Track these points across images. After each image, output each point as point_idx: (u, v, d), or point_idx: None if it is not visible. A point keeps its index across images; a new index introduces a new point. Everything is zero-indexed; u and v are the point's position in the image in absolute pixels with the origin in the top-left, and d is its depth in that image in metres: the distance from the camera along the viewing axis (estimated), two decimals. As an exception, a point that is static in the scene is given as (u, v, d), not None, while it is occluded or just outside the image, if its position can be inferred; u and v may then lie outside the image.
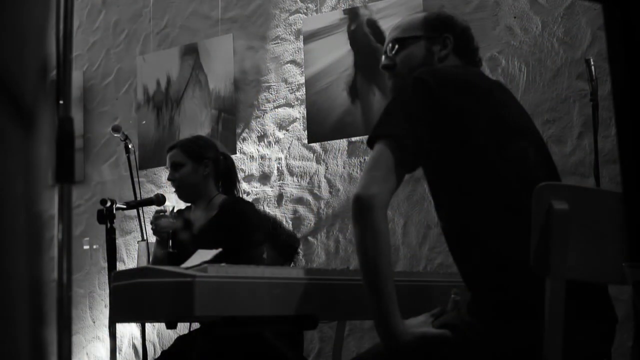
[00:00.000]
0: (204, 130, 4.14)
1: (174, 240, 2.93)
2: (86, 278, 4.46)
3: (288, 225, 3.86)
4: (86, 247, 4.46)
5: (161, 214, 2.95)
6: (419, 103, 1.60)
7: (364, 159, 3.70)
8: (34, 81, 0.64)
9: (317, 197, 3.81)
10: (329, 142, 3.81)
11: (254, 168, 4.04)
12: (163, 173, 4.15)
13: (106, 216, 2.88)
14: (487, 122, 1.62)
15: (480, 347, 1.52)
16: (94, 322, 4.45)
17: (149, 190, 4.15)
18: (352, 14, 3.80)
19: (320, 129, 3.82)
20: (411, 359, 1.56)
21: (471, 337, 1.53)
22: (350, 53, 3.78)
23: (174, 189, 3.07)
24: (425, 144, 1.59)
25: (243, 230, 2.92)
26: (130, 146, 3.41)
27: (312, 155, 3.86)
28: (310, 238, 3.80)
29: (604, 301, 1.62)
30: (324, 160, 3.82)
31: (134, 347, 4.25)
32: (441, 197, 1.68)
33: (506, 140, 1.62)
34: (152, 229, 2.95)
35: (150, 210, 3.93)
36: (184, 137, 3.69)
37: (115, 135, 3.39)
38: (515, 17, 3.40)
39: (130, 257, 4.36)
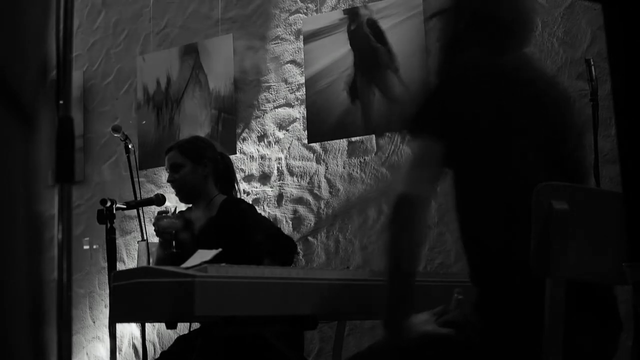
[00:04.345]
0: (204, 131, 4.14)
1: (177, 241, 2.93)
2: (86, 278, 4.46)
3: (288, 225, 3.86)
4: (86, 247, 4.46)
5: (163, 215, 2.95)
6: (460, 98, 1.56)
7: (364, 159, 3.70)
8: (34, 81, 0.64)
9: (317, 197, 3.81)
10: (329, 142, 3.81)
11: (254, 168, 4.03)
12: (163, 173, 4.15)
13: (106, 216, 2.88)
14: (501, 120, 1.58)
15: (482, 348, 1.52)
16: (94, 322, 4.45)
17: (149, 190, 4.15)
18: (352, 14, 3.80)
19: (320, 129, 3.82)
20: (413, 356, 1.56)
21: (474, 337, 1.52)
22: (350, 53, 3.78)
23: (174, 190, 3.07)
24: (462, 140, 1.55)
25: (243, 230, 2.92)
26: (130, 146, 3.41)
27: (312, 155, 3.86)
28: (310, 238, 3.80)
29: (609, 308, 1.61)
30: (324, 160, 3.82)
31: (134, 347, 4.25)
32: (460, 193, 1.66)
33: (507, 139, 1.59)
34: (154, 230, 2.95)
35: (151, 211, 3.93)
36: (183, 137, 3.69)
37: (115, 135, 3.39)
38: (515, 17, 3.40)
39: (130, 257, 4.36)
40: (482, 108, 1.56)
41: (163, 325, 2.44)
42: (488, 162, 1.57)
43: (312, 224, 3.80)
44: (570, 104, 1.74)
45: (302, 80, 3.91)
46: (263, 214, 3.91)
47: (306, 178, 3.86)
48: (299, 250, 3.62)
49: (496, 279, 1.56)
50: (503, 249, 1.55)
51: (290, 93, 3.96)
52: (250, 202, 3.91)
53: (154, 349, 4.15)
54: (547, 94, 1.70)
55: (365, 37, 3.75)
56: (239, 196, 3.20)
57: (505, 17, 1.70)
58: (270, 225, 3.21)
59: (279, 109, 3.99)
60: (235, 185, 3.18)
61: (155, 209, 3.43)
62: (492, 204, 1.58)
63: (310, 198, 3.83)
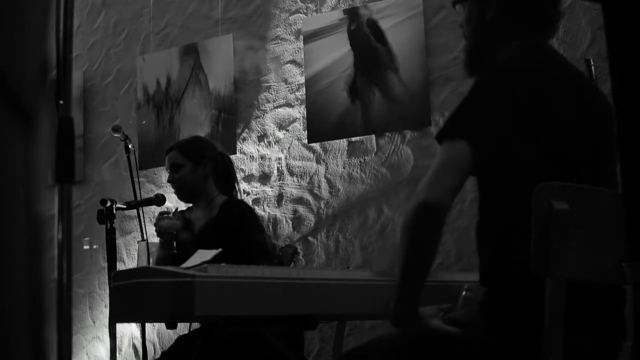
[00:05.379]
0: (204, 130, 4.14)
1: (178, 241, 2.93)
2: (86, 278, 4.46)
3: (288, 225, 3.86)
4: (86, 247, 4.46)
5: (164, 215, 2.95)
6: (498, 99, 1.52)
7: (364, 159, 3.70)
8: (34, 81, 0.64)
9: (317, 197, 3.81)
10: (329, 142, 3.81)
11: (254, 168, 4.04)
12: (163, 173, 4.15)
13: (106, 216, 2.88)
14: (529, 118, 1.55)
15: (484, 348, 1.51)
16: (94, 322, 4.45)
17: (149, 190, 4.15)
18: (352, 14, 3.80)
19: (320, 129, 3.82)
20: (413, 353, 1.56)
21: (479, 338, 1.51)
22: (350, 53, 3.78)
23: (174, 190, 3.07)
24: (492, 145, 1.51)
25: (243, 230, 2.92)
26: (130, 146, 3.41)
27: (312, 155, 3.86)
28: (310, 238, 3.80)
29: (610, 310, 1.59)
30: (324, 160, 3.82)
31: (134, 347, 4.25)
32: (483, 197, 1.63)
33: (533, 144, 1.54)
34: (155, 230, 2.94)
35: (150, 210, 3.93)
36: (183, 137, 3.69)
37: (115, 135, 3.39)
38: (515, 17, 3.39)
39: (130, 257, 4.36)
40: (515, 111, 1.51)
41: (163, 325, 2.44)
42: (511, 165, 1.54)
43: (312, 224, 3.80)
44: (607, 102, 1.70)
45: (302, 80, 3.91)
46: (263, 214, 3.91)
47: (306, 178, 3.86)
48: (299, 248, 3.62)
49: (503, 280, 1.55)
50: (513, 250, 1.54)
51: (290, 93, 3.96)
52: (250, 203, 3.91)
53: (154, 349, 4.15)
54: (591, 96, 1.68)
55: (365, 37, 3.75)
56: (239, 196, 3.20)
57: (533, 3, 1.67)
58: (258, 232, 3.11)
59: (279, 109, 3.99)
60: (236, 185, 3.18)
61: (155, 209, 3.43)
62: (508, 207, 1.56)
63: (310, 198, 3.83)
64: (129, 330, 4.27)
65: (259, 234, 3.00)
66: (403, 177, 3.59)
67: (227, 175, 3.13)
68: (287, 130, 3.96)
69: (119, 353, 4.25)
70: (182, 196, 3.08)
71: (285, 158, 3.94)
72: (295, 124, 3.93)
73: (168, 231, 2.91)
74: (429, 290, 2.01)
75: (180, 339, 2.95)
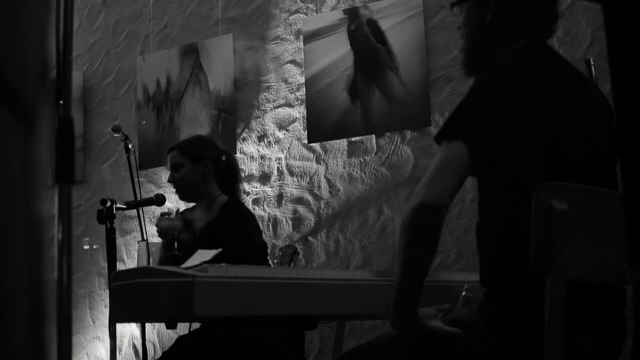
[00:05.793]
0: (204, 130, 4.14)
1: (179, 242, 2.93)
2: (86, 278, 4.46)
3: (288, 225, 3.86)
4: (86, 247, 4.46)
5: (165, 216, 2.95)
6: (497, 100, 1.53)
7: (364, 159, 3.70)
8: (34, 81, 0.64)
9: (317, 197, 3.81)
10: (329, 142, 3.81)
11: (254, 168, 4.04)
12: (163, 173, 4.15)
13: (106, 216, 2.88)
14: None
15: (486, 351, 1.51)
16: (94, 322, 4.45)
17: (149, 190, 4.15)
18: (352, 14, 3.80)
19: (320, 129, 3.82)
20: (415, 351, 1.56)
21: (479, 339, 1.51)
22: (350, 53, 3.78)
23: (174, 190, 3.08)
24: (491, 145, 1.51)
25: (242, 231, 2.91)
26: (130, 146, 3.41)
27: (312, 155, 3.86)
28: (310, 238, 3.80)
29: (610, 310, 1.59)
30: (324, 160, 3.82)
31: (134, 347, 4.25)
32: (483, 197, 1.63)
33: (530, 145, 1.55)
34: (157, 231, 2.94)
35: (150, 210, 3.93)
36: (184, 137, 3.69)
37: (115, 135, 3.39)
38: (515, 17, 3.39)
39: (130, 257, 4.36)
40: (514, 112, 1.51)
41: (163, 325, 2.44)
42: (510, 165, 1.54)
43: (312, 224, 3.80)
44: (607, 102, 1.70)
45: (302, 80, 3.91)
46: (263, 214, 3.91)
47: (306, 178, 3.87)
48: (299, 248, 3.62)
49: (503, 280, 1.55)
50: (513, 250, 1.53)
51: (290, 93, 3.96)
52: (250, 203, 3.91)
53: (154, 349, 4.15)
54: (591, 96, 1.67)
55: (365, 37, 3.75)
56: (240, 196, 3.19)
57: (532, 4, 1.70)
58: (257, 233, 3.12)
59: (279, 109, 3.99)
60: (238, 185, 3.17)
61: (155, 209, 3.43)
62: (508, 207, 1.56)
63: (310, 198, 3.83)
64: (129, 330, 4.27)
65: (257, 234, 3.00)
66: (403, 177, 3.59)
67: (229, 175, 3.13)
68: (287, 130, 3.96)
69: (119, 353, 4.25)
70: (182, 196, 3.09)
71: (285, 158, 3.94)
72: (295, 124, 3.93)
73: (169, 232, 2.91)
74: (429, 290, 2.01)
75: (180, 339, 2.95)
